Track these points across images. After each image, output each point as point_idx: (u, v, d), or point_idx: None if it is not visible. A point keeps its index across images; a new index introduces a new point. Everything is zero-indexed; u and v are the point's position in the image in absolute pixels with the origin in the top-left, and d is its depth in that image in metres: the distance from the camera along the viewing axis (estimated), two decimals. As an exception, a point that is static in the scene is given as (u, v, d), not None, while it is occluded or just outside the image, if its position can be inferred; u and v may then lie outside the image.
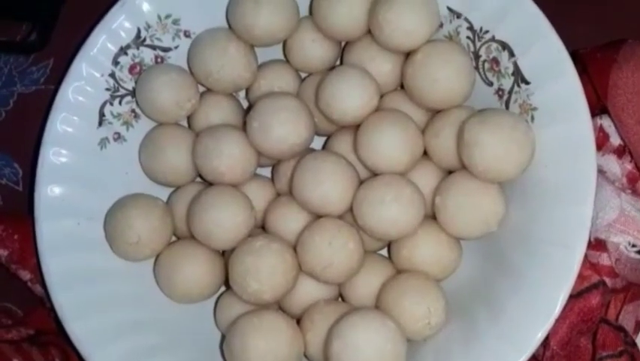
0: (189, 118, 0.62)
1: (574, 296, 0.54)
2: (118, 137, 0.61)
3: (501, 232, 0.56)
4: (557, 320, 0.51)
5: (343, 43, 0.62)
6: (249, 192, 0.60)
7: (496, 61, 0.57)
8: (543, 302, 0.52)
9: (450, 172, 0.59)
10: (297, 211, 0.59)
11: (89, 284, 0.58)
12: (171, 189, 0.63)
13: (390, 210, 0.55)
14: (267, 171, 0.64)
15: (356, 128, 0.59)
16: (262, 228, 0.61)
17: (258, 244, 0.56)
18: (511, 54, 0.56)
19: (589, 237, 0.52)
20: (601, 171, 0.57)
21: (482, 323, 0.55)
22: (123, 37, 0.60)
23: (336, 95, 0.57)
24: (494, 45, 0.57)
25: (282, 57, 0.64)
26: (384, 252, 0.63)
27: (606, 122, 0.58)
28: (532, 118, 0.55)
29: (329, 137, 0.63)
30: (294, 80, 0.63)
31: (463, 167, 0.56)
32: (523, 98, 0.56)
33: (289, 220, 0.59)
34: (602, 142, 0.58)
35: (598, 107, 0.58)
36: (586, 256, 0.54)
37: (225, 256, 0.60)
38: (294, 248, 0.58)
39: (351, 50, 0.61)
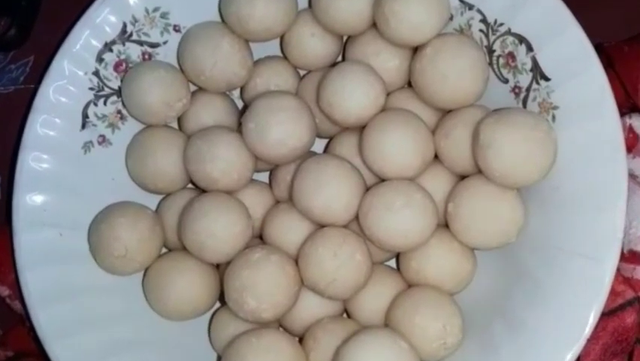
0: (180, 119, 0.60)
1: (606, 314, 0.52)
2: (103, 140, 0.59)
3: (520, 241, 0.54)
4: (589, 341, 0.49)
5: (345, 38, 0.61)
6: (246, 199, 0.58)
7: (512, 56, 0.55)
8: (571, 321, 0.50)
9: (463, 177, 0.57)
10: (299, 220, 0.56)
11: (72, 301, 0.56)
12: (161, 197, 0.61)
13: (400, 219, 0.53)
14: (264, 176, 0.62)
15: (361, 129, 0.56)
16: (260, 238, 0.59)
17: (255, 256, 0.54)
18: (529, 48, 0.54)
19: (621, 248, 0.49)
20: (632, 175, 0.55)
21: (501, 342, 0.52)
22: (108, 33, 0.58)
23: (338, 94, 0.55)
24: (510, 39, 0.54)
25: (279, 53, 0.62)
26: (392, 263, 0.61)
27: (636, 122, 0.56)
28: (554, 118, 0.53)
29: (331, 139, 0.61)
30: (293, 77, 0.61)
31: (478, 171, 0.54)
32: (542, 96, 0.53)
33: (289, 230, 0.57)
34: (632, 143, 0.56)
35: (627, 105, 0.57)
36: (618, 270, 0.52)
37: (220, 269, 0.58)
38: (296, 261, 0.55)
39: (355, 44, 0.59)
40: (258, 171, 0.59)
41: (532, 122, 0.51)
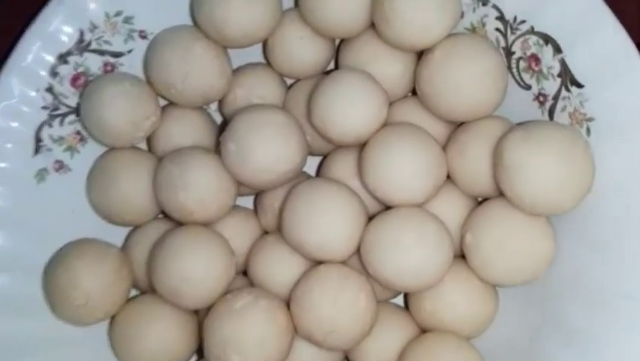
0: (149, 140, 0.58)
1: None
2: (60, 166, 0.55)
3: (549, 275, 0.51)
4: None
5: (338, 41, 0.58)
6: (227, 230, 0.55)
7: (535, 58, 0.51)
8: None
9: (480, 201, 0.54)
10: (290, 255, 0.53)
11: (26, 359, 0.53)
12: (129, 229, 0.58)
13: (412, 255, 0.49)
14: (248, 201, 0.59)
15: (360, 147, 0.53)
16: (244, 274, 0.56)
17: (240, 303, 0.50)
18: (557, 49, 0.50)
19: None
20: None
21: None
22: (63, 42, 0.54)
23: (333, 108, 0.51)
24: (533, 38, 0.51)
25: (262, 59, 0.60)
26: (399, 299, 0.57)
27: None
28: (588, 131, 0.49)
29: (325, 157, 0.57)
30: (279, 88, 0.58)
31: (500, 194, 0.50)
32: (574, 106, 0.50)
33: (279, 267, 0.53)
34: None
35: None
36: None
37: (200, 314, 0.55)
38: (287, 303, 0.52)
39: (350, 48, 0.56)
40: (241, 195, 0.56)
41: (568, 138, 0.48)
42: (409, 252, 0.49)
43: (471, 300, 0.52)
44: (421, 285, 0.50)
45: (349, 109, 0.51)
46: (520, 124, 0.51)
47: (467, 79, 0.50)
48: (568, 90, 0.50)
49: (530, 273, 0.50)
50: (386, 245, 0.50)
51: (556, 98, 0.51)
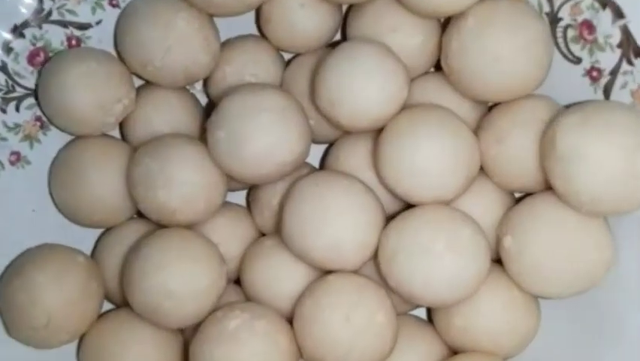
0: (122, 127, 0.56)
1: None
2: (17, 159, 0.53)
3: (605, 282, 0.48)
4: None
5: (345, 8, 0.56)
6: (216, 232, 0.52)
7: (588, 26, 0.48)
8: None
9: (519, 198, 0.51)
10: (292, 262, 0.50)
11: None
12: (99, 233, 0.56)
13: (444, 265, 0.46)
14: (239, 196, 0.56)
15: (376, 133, 0.50)
16: (236, 282, 0.54)
17: (232, 324, 0.47)
18: (618, 14, 0.47)
19: None
20: None
21: None
22: (19, 12, 0.52)
23: (344, 86, 0.48)
24: (586, 2, 0.47)
25: (255, 31, 0.57)
26: (420, 311, 0.54)
27: None
28: None
29: (331, 145, 0.55)
30: (276, 64, 0.56)
31: (547, 188, 0.48)
32: (638, 82, 0.46)
33: (279, 278, 0.51)
34: None
35: None
36: None
37: (185, 334, 0.53)
38: (289, 320, 0.49)
39: (360, 16, 0.53)
40: (231, 190, 0.54)
41: (634, 122, 0.44)
42: (441, 261, 0.46)
43: (510, 313, 0.49)
44: (454, 299, 0.47)
45: (363, 88, 0.48)
46: (571, 105, 0.48)
47: (506, 51, 0.47)
48: (630, 63, 0.47)
49: (585, 283, 0.47)
50: (412, 253, 0.46)
51: (614, 73, 0.48)
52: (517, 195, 0.52)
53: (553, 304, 0.50)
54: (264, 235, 0.54)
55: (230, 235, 0.54)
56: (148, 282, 0.48)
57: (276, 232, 0.52)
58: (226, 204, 0.54)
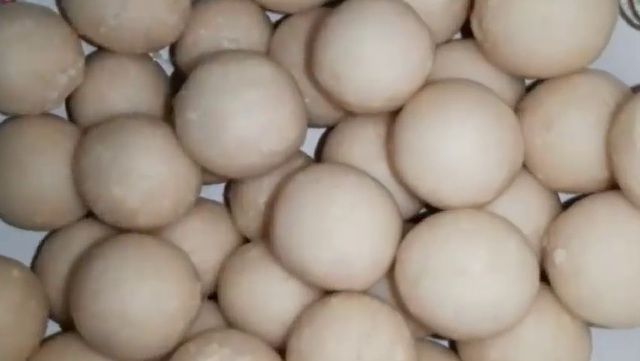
0: (69, 104, 0.50)
1: None
2: None
3: None
4: None
5: None
6: (187, 238, 0.47)
7: None
8: None
9: (570, 201, 0.45)
10: (284, 278, 0.44)
11: None
12: (42, 236, 0.51)
13: (484, 289, 0.40)
14: (215, 190, 0.51)
15: (391, 115, 0.44)
16: (212, 298, 0.48)
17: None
18: None
19: None
20: None
21: None
22: None
23: (352, 54, 0.42)
24: None
25: None
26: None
27: None
28: None
29: (331, 128, 0.49)
30: (260, 26, 0.50)
31: (609, 188, 0.42)
32: None
33: (268, 299, 0.45)
34: None
35: None
36: None
37: None
38: (280, 352, 0.43)
39: None
40: (205, 183, 0.48)
41: None
42: (480, 283, 0.39)
43: (559, 346, 0.42)
44: (493, 331, 0.41)
45: (376, 57, 0.42)
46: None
47: (557, 14, 0.41)
48: None
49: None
50: (443, 274, 0.40)
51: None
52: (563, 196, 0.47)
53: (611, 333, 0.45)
54: (247, 241, 0.48)
55: (205, 241, 0.48)
56: (100, 304, 0.42)
57: (262, 237, 0.46)
58: (200, 202, 0.48)
